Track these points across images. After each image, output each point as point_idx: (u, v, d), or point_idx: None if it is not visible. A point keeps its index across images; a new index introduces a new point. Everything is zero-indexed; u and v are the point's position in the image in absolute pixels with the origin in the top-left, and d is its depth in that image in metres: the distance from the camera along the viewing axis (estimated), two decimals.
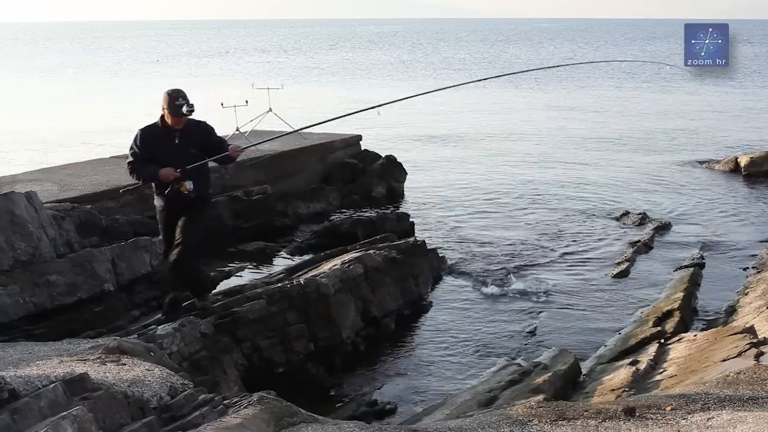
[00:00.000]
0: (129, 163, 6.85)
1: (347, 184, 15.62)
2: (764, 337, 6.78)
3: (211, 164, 7.28)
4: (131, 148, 6.86)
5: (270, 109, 15.78)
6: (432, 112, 29.35)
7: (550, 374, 7.14)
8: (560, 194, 16.43)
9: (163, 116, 6.84)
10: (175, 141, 6.81)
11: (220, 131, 16.85)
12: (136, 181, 7.10)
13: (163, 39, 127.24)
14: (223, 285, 9.44)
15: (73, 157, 16.98)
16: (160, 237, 7.25)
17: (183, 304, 7.23)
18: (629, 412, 4.35)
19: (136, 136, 6.85)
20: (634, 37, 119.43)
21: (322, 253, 10.03)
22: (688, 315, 9.26)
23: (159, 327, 6.78)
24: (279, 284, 8.28)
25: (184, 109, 6.69)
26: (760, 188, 16.94)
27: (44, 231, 7.57)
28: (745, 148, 20.63)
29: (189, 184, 6.75)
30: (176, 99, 6.71)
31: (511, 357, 8.24)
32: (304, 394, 7.09)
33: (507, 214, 14.85)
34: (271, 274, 9.51)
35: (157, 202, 7.00)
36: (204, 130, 7.05)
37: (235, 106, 14.89)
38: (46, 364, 4.88)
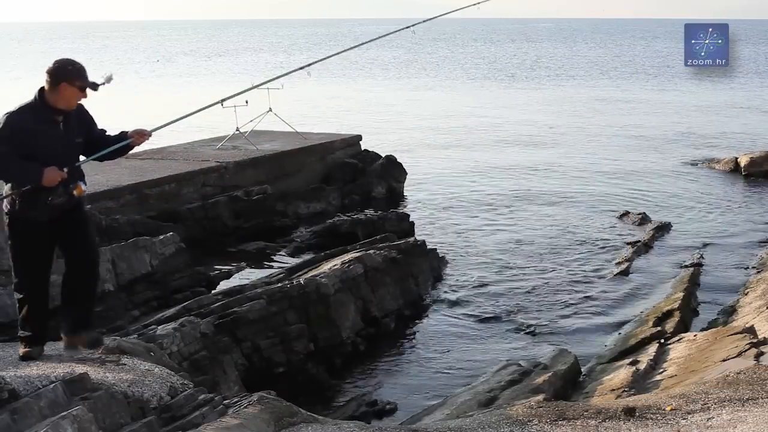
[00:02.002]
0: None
1: (347, 184, 15.62)
2: (764, 337, 6.78)
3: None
4: None
5: (270, 109, 15.78)
6: (432, 111, 29.35)
7: (550, 374, 7.13)
8: (560, 194, 16.42)
9: (44, 94, 4.94)
10: (59, 128, 5.00)
11: (220, 131, 16.96)
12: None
13: (163, 39, 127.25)
14: (223, 285, 9.45)
15: None
16: (12, 268, 5.24)
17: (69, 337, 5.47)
18: (629, 412, 4.35)
19: (3, 123, 4.82)
20: (635, 37, 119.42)
21: (322, 253, 10.03)
22: (688, 315, 9.26)
23: (159, 327, 6.78)
24: (279, 284, 8.28)
25: (101, 80, 5.04)
26: (760, 188, 16.93)
27: None
28: (746, 148, 20.62)
29: (83, 186, 5.23)
30: (83, 70, 5.02)
31: (511, 357, 8.24)
32: (304, 394, 7.09)
33: (507, 214, 14.85)
34: (271, 274, 9.50)
35: (19, 214, 4.96)
36: (87, 114, 5.34)
37: (235, 106, 14.87)
38: (46, 364, 4.88)
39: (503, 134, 25.12)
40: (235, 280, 9.91)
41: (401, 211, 14.53)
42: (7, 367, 4.76)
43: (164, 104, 34.16)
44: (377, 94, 37.47)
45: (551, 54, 74.18)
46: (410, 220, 13.26)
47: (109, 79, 5.08)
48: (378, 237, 10.97)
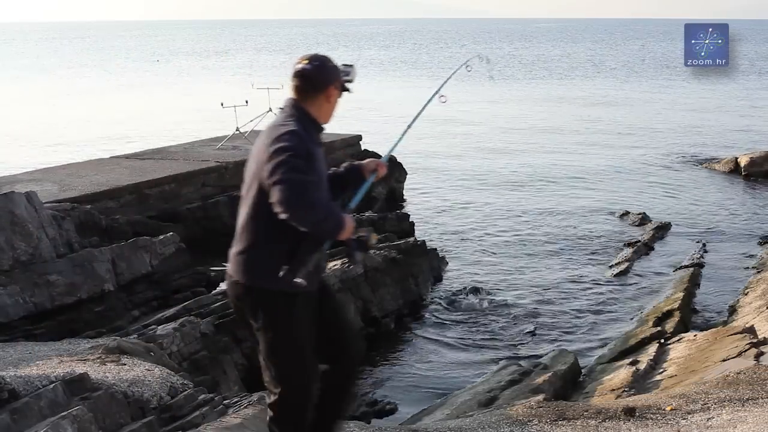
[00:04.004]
0: (302, 188, 3.12)
1: None
2: (764, 337, 6.78)
3: None
4: (293, 159, 3.15)
5: (270, 109, 15.76)
6: (432, 111, 29.31)
7: (550, 374, 7.13)
8: (560, 194, 16.42)
9: (300, 105, 3.44)
10: (323, 154, 3.51)
11: (220, 131, 16.96)
12: (315, 235, 3.25)
13: (163, 39, 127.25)
14: (223, 285, 9.42)
15: (73, 157, 16.98)
16: (297, 363, 3.39)
17: None
18: (629, 412, 4.36)
19: (297, 135, 3.25)
20: (634, 37, 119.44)
21: None
22: (688, 315, 9.26)
23: (159, 327, 6.78)
24: None
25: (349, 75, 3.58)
26: (760, 188, 16.93)
27: (44, 231, 7.57)
28: (746, 148, 20.62)
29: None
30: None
31: (511, 357, 8.24)
32: None
33: (507, 214, 14.85)
34: None
35: (290, 287, 3.25)
36: None
37: (235, 106, 14.89)
38: (46, 364, 4.88)
39: (503, 134, 25.12)
40: None
41: (401, 211, 14.54)
42: (7, 367, 4.76)
43: (165, 104, 34.19)
44: (377, 94, 37.46)
45: (550, 54, 74.18)
46: (410, 220, 13.26)
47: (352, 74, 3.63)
48: (378, 237, 10.96)
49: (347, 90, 3.53)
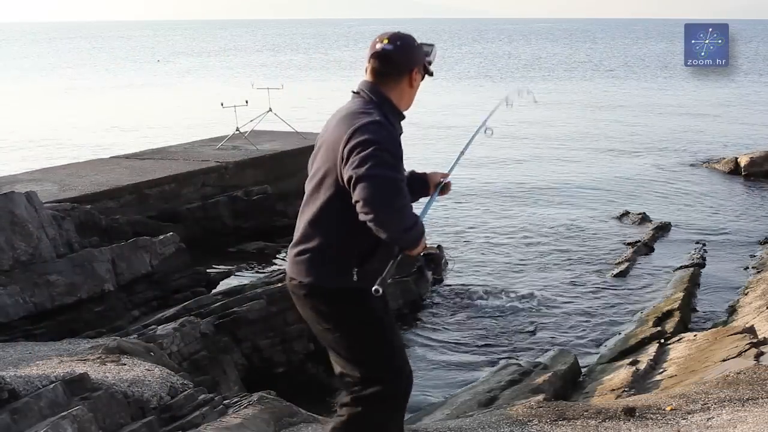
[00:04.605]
0: (392, 188, 2.80)
1: None
2: (764, 337, 6.78)
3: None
4: (382, 153, 2.81)
5: (270, 109, 15.78)
6: (431, 110, 29.32)
7: (550, 374, 7.13)
8: (560, 194, 16.42)
9: (381, 89, 3.03)
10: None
11: (220, 131, 16.97)
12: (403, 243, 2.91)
13: (164, 39, 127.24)
14: (223, 285, 9.44)
15: (73, 157, 16.98)
16: (385, 352, 3.11)
17: None
18: (629, 412, 4.35)
19: (383, 126, 2.90)
20: (634, 37, 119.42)
21: None
22: (688, 315, 9.26)
23: (159, 327, 6.78)
24: (279, 284, 8.27)
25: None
26: (760, 188, 16.93)
27: (44, 231, 7.57)
28: (746, 148, 20.63)
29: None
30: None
31: (511, 357, 8.24)
32: (304, 394, 7.09)
33: (507, 214, 14.85)
34: (271, 274, 9.49)
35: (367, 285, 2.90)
36: None
37: (235, 106, 14.89)
38: (46, 364, 4.88)
39: (503, 134, 25.09)
40: (235, 280, 9.91)
41: None
42: (7, 367, 4.76)
43: (165, 104, 34.19)
44: None
45: (549, 53, 74.17)
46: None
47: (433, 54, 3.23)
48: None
49: (430, 73, 3.17)
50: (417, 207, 3.19)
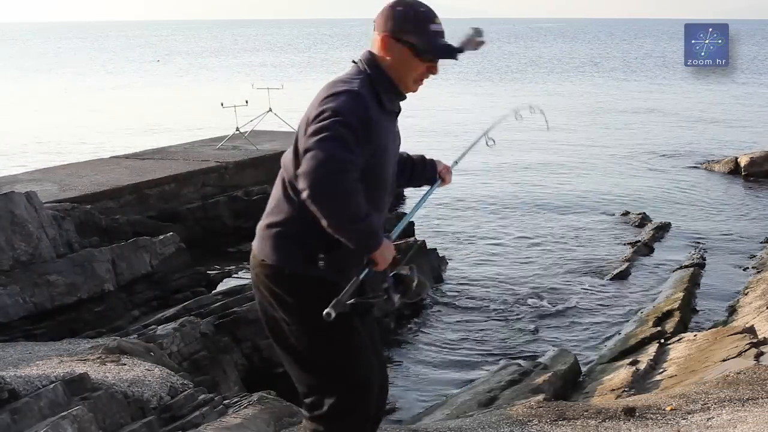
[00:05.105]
0: (336, 165, 2.47)
1: None
2: (764, 337, 6.78)
3: None
4: (339, 127, 2.50)
5: (270, 109, 15.79)
6: (431, 109, 29.32)
7: (550, 374, 7.13)
8: (560, 194, 16.42)
9: (378, 62, 2.71)
10: (395, 132, 2.88)
11: (220, 131, 16.97)
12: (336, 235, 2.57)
13: (163, 39, 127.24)
14: (223, 285, 9.44)
15: (73, 157, 16.98)
16: (350, 354, 2.79)
17: None
18: (629, 412, 4.35)
19: (357, 97, 2.58)
20: (634, 36, 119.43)
21: None
22: (688, 315, 9.26)
23: (159, 327, 6.78)
24: None
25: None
26: (760, 188, 16.93)
27: (44, 231, 7.57)
28: (746, 148, 20.62)
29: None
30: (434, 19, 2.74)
31: (511, 357, 8.24)
32: None
33: (507, 214, 14.85)
34: None
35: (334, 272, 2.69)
36: None
37: (235, 106, 14.90)
38: (46, 364, 4.88)
39: (502, 133, 25.08)
40: (235, 280, 9.91)
41: (401, 211, 14.54)
42: (7, 367, 4.76)
43: (165, 104, 34.18)
44: None
45: (549, 53, 74.17)
46: (410, 220, 13.25)
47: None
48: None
49: (451, 55, 2.70)
50: (414, 196, 3.18)
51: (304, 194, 2.48)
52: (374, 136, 2.57)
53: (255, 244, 2.83)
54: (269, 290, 2.74)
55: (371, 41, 2.75)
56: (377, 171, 2.67)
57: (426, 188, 3.24)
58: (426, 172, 3.17)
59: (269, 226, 2.75)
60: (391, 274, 2.72)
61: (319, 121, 2.50)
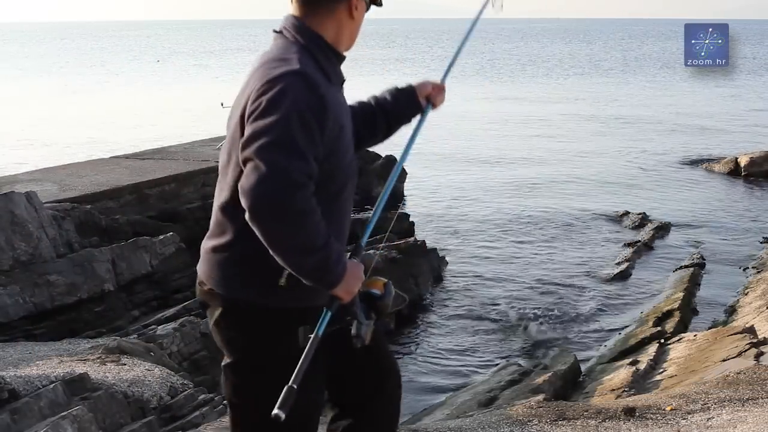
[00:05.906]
0: (285, 181, 1.98)
1: None
2: (764, 337, 6.78)
3: None
4: (285, 127, 2.00)
5: None
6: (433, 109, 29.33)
7: (550, 374, 7.14)
8: (560, 194, 16.42)
9: (313, 21, 2.24)
10: (346, 106, 2.40)
11: (220, 131, 16.93)
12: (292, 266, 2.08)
13: (163, 39, 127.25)
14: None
15: (73, 157, 16.98)
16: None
17: None
18: (629, 412, 4.35)
19: (301, 79, 2.08)
20: (634, 36, 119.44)
21: None
22: (688, 315, 9.26)
23: (159, 327, 6.78)
24: None
25: None
26: (760, 188, 16.93)
27: (44, 231, 7.57)
28: (745, 148, 20.62)
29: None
30: None
31: (511, 357, 8.24)
32: None
33: (507, 215, 14.85)
34: None
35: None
36: None
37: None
38: (46, 364, 4.88)
39: (502, 133, 25.11)
40: None
41: (401, 211, 14.53)
42: (7, 367, 4.76)
43: (165, 104, 34.19)
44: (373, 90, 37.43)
45: (548, 53, 74.17)
46: (410, 220, 13.26)
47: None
48: (378, 237, 10.95)
49: (378, 2, 2.37)
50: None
51: (246, 215, 2.02)
52: (329, 120, 2.09)
53: (199, 266, 2.30)
54: (222, 329, 2.27)
55: (295, 3, 2.26)
56: (337, 159, 2.18)
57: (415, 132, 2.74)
58: (410, 106, 2.65)
59: (215, 249, 2.24)
60: (361, 293, 2.23)
61: (258, 118, 2.01)
